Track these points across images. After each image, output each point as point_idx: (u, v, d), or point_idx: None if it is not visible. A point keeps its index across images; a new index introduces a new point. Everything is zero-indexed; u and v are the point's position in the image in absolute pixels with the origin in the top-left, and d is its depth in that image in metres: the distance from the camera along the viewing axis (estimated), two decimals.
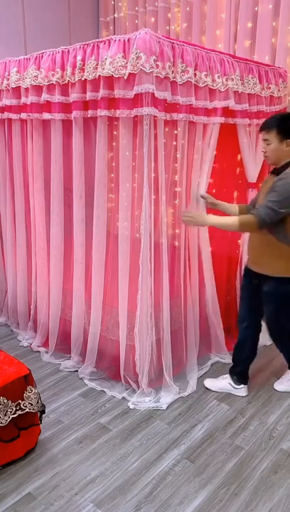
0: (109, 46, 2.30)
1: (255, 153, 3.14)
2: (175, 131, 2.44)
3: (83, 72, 2.46)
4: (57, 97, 2.65)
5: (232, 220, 2.34)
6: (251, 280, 2.52)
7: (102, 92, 2.38)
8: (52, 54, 2.63)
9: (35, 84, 2.73)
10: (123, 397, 2.66)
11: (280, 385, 2.80)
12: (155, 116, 2.31)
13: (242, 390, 2.72)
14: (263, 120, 3.09)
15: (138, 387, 2.68)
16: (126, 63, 2.23)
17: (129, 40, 2.23)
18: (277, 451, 2.28)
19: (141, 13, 4.47)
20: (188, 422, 2.48)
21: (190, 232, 2.76)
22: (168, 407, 2.59)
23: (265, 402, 2.66)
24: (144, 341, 2.60)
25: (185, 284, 2.78)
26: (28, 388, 2.13)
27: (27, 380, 2.15)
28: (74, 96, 2.55)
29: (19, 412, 2.08)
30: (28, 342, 3.30)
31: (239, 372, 2.72)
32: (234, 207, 2.67)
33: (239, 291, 2.85)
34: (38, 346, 3.21)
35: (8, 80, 2.97)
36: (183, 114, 2.42)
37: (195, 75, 2.41)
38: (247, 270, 2.56)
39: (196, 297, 2.89)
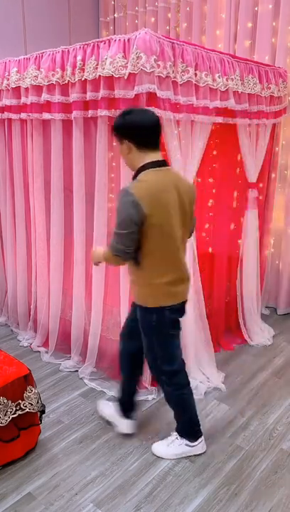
0: (109, 46, 2.30)
1: (255, 153, 3.14)
2: (176, 131, 2.44)
3: (83, 72, 2.46)
4: (57, 97, 2.65)
5: (102, 252, 2.01)
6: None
7: (102, 92, 2.38)
8: (52, 54, 2.63)
9: (35, 84, 2.72)
10: None
11: (157, 447, 2.26)
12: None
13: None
14: (263, 120, 3.11)
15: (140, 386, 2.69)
16: (127, 63, 2.23)
17: (129, 40, 2.23)
18: (277, 451, 2.28)
19: (141, 13, 4.47)
20: None
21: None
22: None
23: (265, 402, 2.66)
24: None
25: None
26: (28, 388, 2.13)
27: (27, 380, 2.15)
28: (74, 96, 2.55)
29: (19, 412, 2.08)
30: (28, 342, 3.29)
31: (123, 404, 2.35)
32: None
33: None
34: (38, 346, 3.21)
35: (8, 79, 2.97)
36: (183, 113, 2.42)
37: (196, 74, 2.41)
38: None
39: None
